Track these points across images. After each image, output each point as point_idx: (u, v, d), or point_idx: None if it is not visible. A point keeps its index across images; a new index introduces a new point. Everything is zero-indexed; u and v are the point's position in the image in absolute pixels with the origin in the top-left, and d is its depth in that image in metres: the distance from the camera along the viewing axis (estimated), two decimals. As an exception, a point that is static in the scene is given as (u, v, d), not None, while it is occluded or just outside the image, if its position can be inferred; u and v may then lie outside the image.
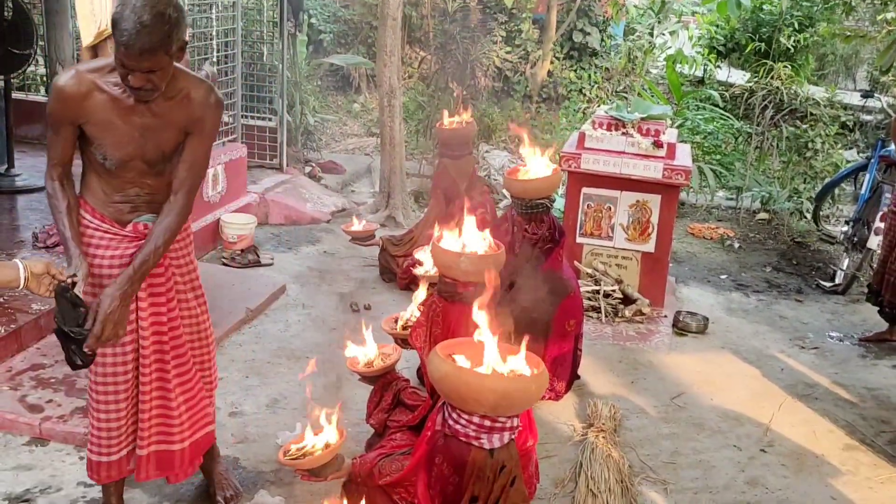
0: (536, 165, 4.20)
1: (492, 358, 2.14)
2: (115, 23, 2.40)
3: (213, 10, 6.38)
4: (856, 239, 6.42)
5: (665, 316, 5.45)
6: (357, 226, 5.61)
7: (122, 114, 2.59)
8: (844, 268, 6.38)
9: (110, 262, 2.74)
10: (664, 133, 5.55)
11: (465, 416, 2.10)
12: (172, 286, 2.87)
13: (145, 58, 2.40)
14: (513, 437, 2.18)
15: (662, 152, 5.41)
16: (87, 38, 3.98)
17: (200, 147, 2.75)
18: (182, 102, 2.65)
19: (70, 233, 2.62)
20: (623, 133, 5.52)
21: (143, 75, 2.44)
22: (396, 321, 3.86)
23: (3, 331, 4.11)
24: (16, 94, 7.07)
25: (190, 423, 2.96)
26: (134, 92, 2.52)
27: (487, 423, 2.10)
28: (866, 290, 5.54)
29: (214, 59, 6.35)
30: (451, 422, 2.13)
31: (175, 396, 2.89)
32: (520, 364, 2.15)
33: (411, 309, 3.83)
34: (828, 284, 6.36)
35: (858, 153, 8.98)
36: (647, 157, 5.41)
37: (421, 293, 3.77)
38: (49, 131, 2.62)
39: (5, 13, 6.01)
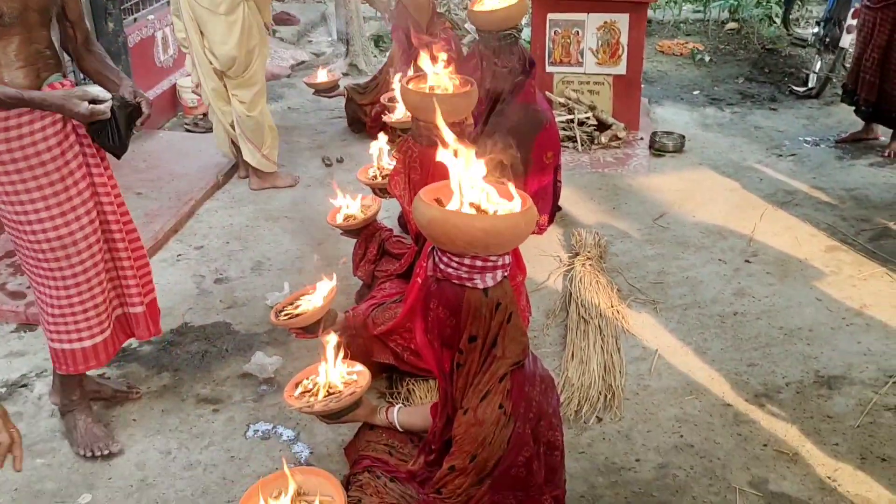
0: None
1: (477, 197, 2.08)
2: None
3: None
4: (828, 39, 6.29)
5: (641, 138, 5.39)
6: (319, 77, 5.42)
7: None
8: (817, 70, 6.29)
9: (52, 132, 2.53)
10: (628, -53, 5.30)
11: (456, 259, 2.06)
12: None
13: None
14: (505, 274, 2.15)
15: (628, -32, 5.19)
16: None
17: None
18: None
19: (19, 90, 2.42)
20: (586, -49, 5.27)
21: None
22: (371, 169, 3.78)
23: (-30, 222, 4.00)
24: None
25: (142, 283, 2.89)
26: None
27: (479, 263, 2.06)
28: (841, 91, 5.49)
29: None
30: (442, 265, 2.09)
31: (128, 256, 2.83)
32: (507, 200, 2.10)
33: (375, 158, 3.75)
34: (801, 89, 6.29)
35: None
36: (612, -26, 5.20)
37: (378, 143, 3.70)
38: None
39: None
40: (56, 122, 2.53)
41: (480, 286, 2.10)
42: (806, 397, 3.03)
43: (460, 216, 2.01)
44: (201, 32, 4.43)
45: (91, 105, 2.43)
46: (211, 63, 4.49)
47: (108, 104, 2.47)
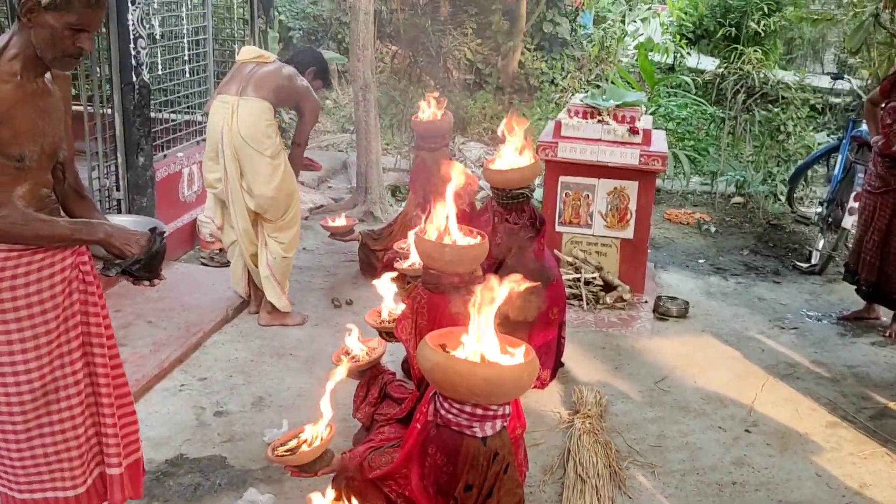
0: (516, 155, 4.20)
1: (482, 346, 2.14)
2: None
3: (184, 9, 6.32)
4: (830, 219, 6.49)
5: (646, 301, 5.48)
6: (336, 221, 5.59)
7: (26, 100, 2.32)
8: (820, 248, 6.45)
9: (59, 279, 2.45)
10: (639, 120, 5.58)
11: (457, 406, 2.10)
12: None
13: (103, 12, 2.35)
14: (505, 424, 2.19)
15: (638, 139, 5.44)
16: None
17: (69, 119, 2.58)
18: (53, 75, 2.48)
19: (72, 221, 2.41)
20: (599, 121, 5.54)
21: (92, 36, 2.34)
22: (380, 314, 3.85)
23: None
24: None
25: (125, 442, 2.72)
26: (70, 61, 2.35)
27: (479, 411, 2.10)
28: (843, 270, 5.61)
29: (186, 58, 6.30)
30: (442, 411, 2.13)
31: (112, 413, 2.65)
32: (510, 352, 2.16)
33: (386, 301, 3.82)
34: (804, 265, 6.43)
35: (829, 135, 9.07)
36: (623, 143, 5.44)
37: (383, 282, 3.76)
38: None
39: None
40: (65, 268, 2.45)
41: (479, 435, 2.13)
42: (804, 575, 2.97)
43: (464, 363, 2.06)
44: (241, 173, 4.60)
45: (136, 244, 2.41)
46: (247, 204, 4.64)
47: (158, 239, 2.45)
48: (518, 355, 2.16)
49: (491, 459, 2.15)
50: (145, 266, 2.45)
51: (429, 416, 2.20)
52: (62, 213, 2.54)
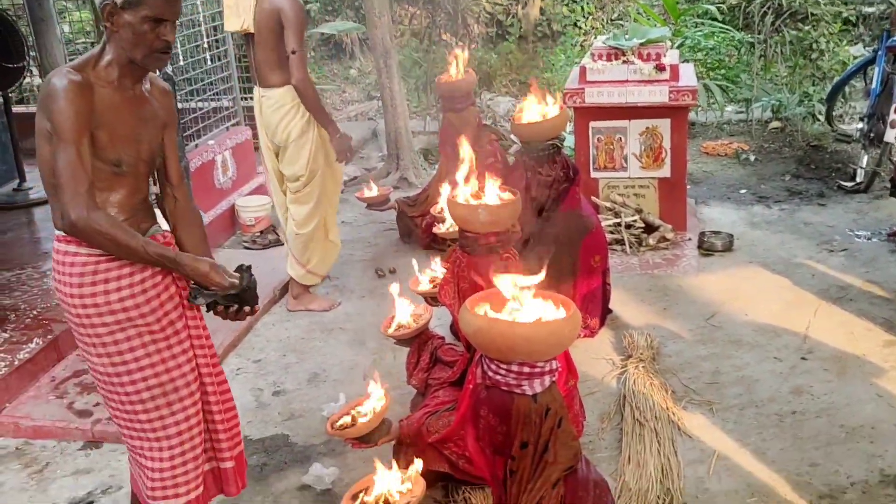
0: (542, 107, 4.17)
1: (522, 306, 2.15)
2: None
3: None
4: (872, 134, 6.33)
5: (689, 239, 5.43)
6: (370, 192, 5.61)
7: (124, 105, 2.36)
8: (864, 165, 6.31)
9: (158, 289, 2.45)
10: (665, 55, 5.47)
11: (504, 366, 2.12)
12: None
13: (179, 1, 2.38)
14: (553, 379, 2.20)
15: (666, 75, 5.34)
16: (231, 27, 4.62)
17: (175, 136, 2.63)
18: (152, 87, 2.51)
19: (163, 248, 2.39)
20: (624, 61, 5.45)
21: (174, 26, 2.35)
22: (418, 283, 3.88)
23: (41, 342, 4.18)
24: (16, 108, 7.08)
25: (231, 435, 2.74)
26: (159, 57, 2.37)
27: (526, 369, 2.12)
28: (889, 185, 5.49)
29: (206, 45, 6.32)
30: (490, 373, 2.15)
31: (219, 409, 2.70)
32: (552, 307, 2.16)
33: (435, 265, 3.85)
34: (849, 184, 6.30)
35: (864, 47, 8.81)
36: (651, 82, 5.35)
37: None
38: (66, 151, 2.20)
39: (-7, 29, 6.00)
40: (156, 273, 2.44)
41: (529, 392, 2.15)
42: (872, 497, 2.96)
43: (504, 324, 2.08)
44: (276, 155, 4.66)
45: (230, 279, 2.39)
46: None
47: (244, 280, 2.42)
48: (558, 311, 2.17)
49: (543, 415, 2.17)
50: (238, 299, 2.44)
51: (477, 378, 2.22)
52: (157, 221, 2.57)
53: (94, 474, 3.46)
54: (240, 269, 2.43)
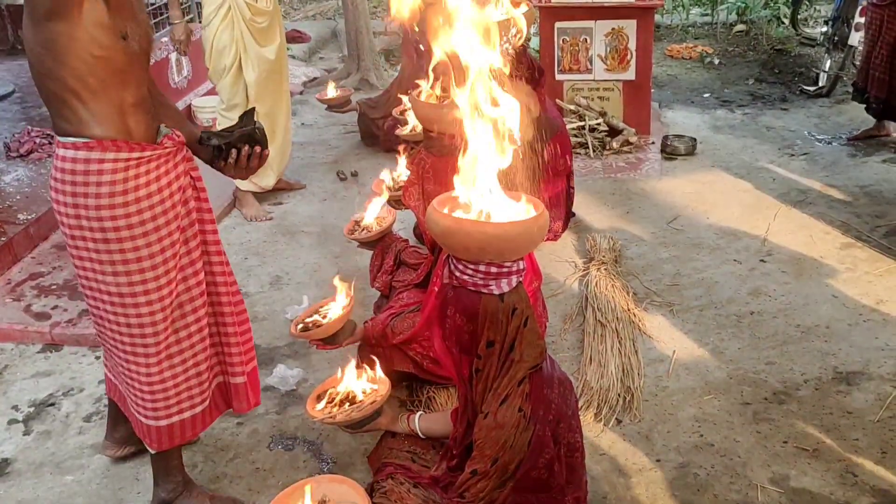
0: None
1: (489, 205, 2.11)
2: None
3: None
4: (836, 38, 6.31)
5: (653, 142, 5.42)
6: (331, 93, 5.48)
7: None
8: (827, 69, 6.30)
9: (176, 187, 2.29)
10: (633, -47, 5.35)
11: (472, 266, 2.09)
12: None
13: None
14: (520, 279, 2.19)
15: (633, -26, 5.23)
16: None
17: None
18: None
19: None
20: (591, -41, 5.32)
21: None
22: (387, 181, 3.83)
23: (-6, 245, 4.09)
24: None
25: (244, 349, 2.61)
26: None
27: (494, 269, 2.09)
28: (851, 89, 5.50)
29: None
30: (457, 273, 2.12)
31: (233, 322, 2.57)
32: (519, 206, 2.13)
33: (399, 167, 3.79)
34: (811, 88, 6.30)
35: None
36: (618, -19, 5.24)
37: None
38: None
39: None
40: (179, 175, 2.30)
41: (496, 292, 2.14)
42: (825, 394, 3.04)
43: (473, 224, 2.04)
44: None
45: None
46: None
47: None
48: (527, 209, 2.14)
49: (510, 315, 2.16)
50: (247, 137, 2.36)
51: (444, 278, 2.20)
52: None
53: (54, 377, 3.43)
54: (245, 112, 2.38)
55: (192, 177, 2.36)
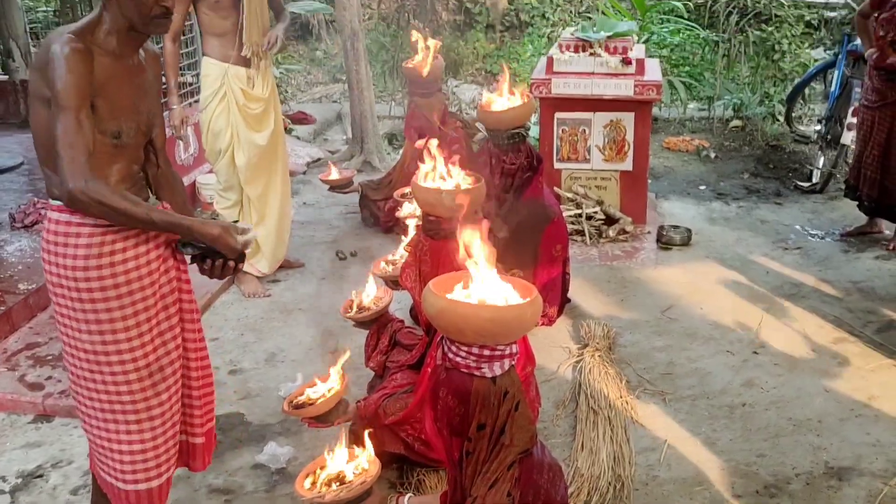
0: (509, 96, 4.19)
1: (485, 288, 2.16)
2: None
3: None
4: (829, 136, 6.46)
5: (648, 232, 5.50)
6: (334, 174, 5.58)
7: (124, 75, 2.29)
8: (820, 166, 6.44)
9: (155, 255, 2.38)
10: (632, 50, 5.52)
11: (465, 348, 2.13)
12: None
13: None
14: (513, 363, 2.22)
15: (632, 69, 5.39)
16: None
17: (160, 101, 2.56)
18: (146, 54, 2.44)
19: (169, 214, 2.33)
20: (591, 54, 5.49)
21: None
22: (385, 264, 3.88)
23: (-7, 314, 4.11)
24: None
25: (205, 411, 2.67)
26: (160, 23, 2.29)
27: (486, 352, 2.13)
28: (844, 187, 5.61)
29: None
30: (451, 355, 2.16)
31: (199, 385, 2.64)
32: (513, 291, 2.18)
33: (400, 251, 3.86)
34: (805, 184, 6.42)
35: (825, 51, 8.97)
36: (616, 75, 5.39)
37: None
38: (66, 119, 2.12)
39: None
40: (159, 244, 2.39)
41: (489, 375, 2.17)
42: (816, 489, 3.03)
43: (468, 307, 2.09)
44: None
45: (242, 238, 2.33)
46: None
47: (252, 235, 2.38)
48: (521, 295, 2.19)
49: (501, 398, 2.19)
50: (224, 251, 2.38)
51: (438, 360, 2.23)
52: (150, 193, 2.50)
53: (44, 448, 3.42)
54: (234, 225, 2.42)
55: (173, 247, 2.45)
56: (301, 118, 8.23)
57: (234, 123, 4.55)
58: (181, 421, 2.60)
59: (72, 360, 2.41)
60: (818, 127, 6.77)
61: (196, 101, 6.40)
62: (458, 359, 2.17)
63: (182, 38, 5.98)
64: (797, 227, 5.66)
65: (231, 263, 2.37)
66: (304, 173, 6.85)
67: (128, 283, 2.32)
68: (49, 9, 9.43)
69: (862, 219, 5.45)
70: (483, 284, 2.17)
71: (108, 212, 2.16)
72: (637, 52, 5.61)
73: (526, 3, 10.89)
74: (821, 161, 6.47)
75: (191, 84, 6.37)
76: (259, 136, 4.64)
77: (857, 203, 5.37)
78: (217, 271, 2.38)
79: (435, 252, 3.09)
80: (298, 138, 7.69)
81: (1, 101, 7.53)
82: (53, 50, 2.15)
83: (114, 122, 2.25)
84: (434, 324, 2.17)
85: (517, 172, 4.17)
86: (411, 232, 3.82)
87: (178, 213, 2.45)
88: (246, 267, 4.68)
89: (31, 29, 7.79)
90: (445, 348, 2.21)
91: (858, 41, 6.20)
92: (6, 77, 7.59)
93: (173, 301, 2.48)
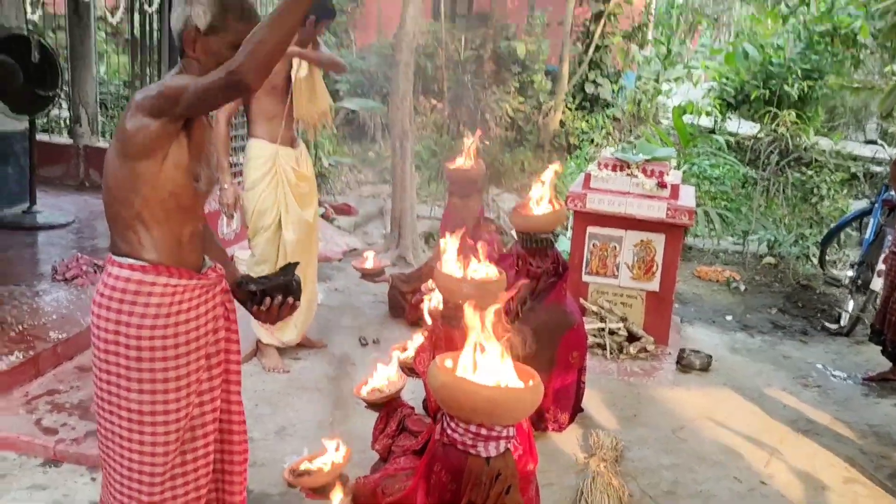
0: (540, 202, 4.34)
1: (488, 368, 2.24)
2: (230, 4, 2.34)
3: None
4: (860, 281, 6.50)
5: (669, 353, 5.52)
6: (369, 262, 5.74)
7: (200, 126, 2.39)
8: (849, 310, 6.45)
9: (211, 315, 2.45)
10: (668, 174, 5.68)
11: (463, 425, 2.19)
12: None
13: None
14: (508, 446, 2.27)
15: (666, 193, 5.54)
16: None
17: None
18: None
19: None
20: (628, 174, 5.66)
21: None
22: (404, 350, 3.96)
23: (21, 356, 4.24)
24: (39, 136, 7.28)
25: (244, 466, 2.72)
26: None
27: (483, 431, 2.19)
28: (869, 331, 5.61)
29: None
30: (448, 430, 2.22)
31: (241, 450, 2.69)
32: (515, 374, 2.25)
33: (418, 337, 3.93)
34: (833, 326, 6.42)
35: (871, 202, 9.08)
36: (651, 197, 5.54)
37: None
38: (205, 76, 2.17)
39: (33, 56, 6.25)
40: (216, 305, 2.45)
41: (483, 454, 2.22)
42: None
43: (469, 383, 2.16)
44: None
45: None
46: None
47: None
48: (523, 380, 2.26)
49: (493, 479, 2.23)
50: (284, 286, 2.51)
51: (436, 435, 2.29)
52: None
53: (49, 491, 3.48)
54: (287, 264, 2.55)
55: (226, 307, 2.52)
56: (344, 209, 8.48)
57: (281, 202, 4.75)
58: (215, 488, 2.62)
59: (109, 417, 2.41)
60: (850, 272, 6.81)
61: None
62: (455, 435, 2.22)
63: (235, 119, 6.31)
64: (819, 365, 5.64)
65: (290, 300, 2.46)
66: (340, 260, 7.02)
67: (186, 343, 2.38)
68: (122, 80, 9.94)
69: (886, 364, 5.42)
70: (488, 364, 2.25)
71: (271, 48, 2.08)
72: (673, 177, 5.77)
73: (576, 127, 11.23)
74: (850, 305, 6.49)
75: (237, 163, 6.64)
76: (307, 212, 4.88)
77: (881, 348, 5.36)
78: (275, 312, 2.47)
79: (450, 339, 3.17)
80: (339, 227, 7.91)
81: (63, 163, 7.88)
82: (153, 86, 2.28)
83: (196, 164, 2.35)
84: (436, 397, 2.24)
85: (542, 276, 4.27)
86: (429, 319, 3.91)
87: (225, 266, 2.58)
88: (270, 339, 4.81)
89: (100, 100, 8.24)
90: (444, 424, 2.27)
91: (893, 192, 6.32)
92: (71, 141, 7.98)
93: (217, 362, 2.51)
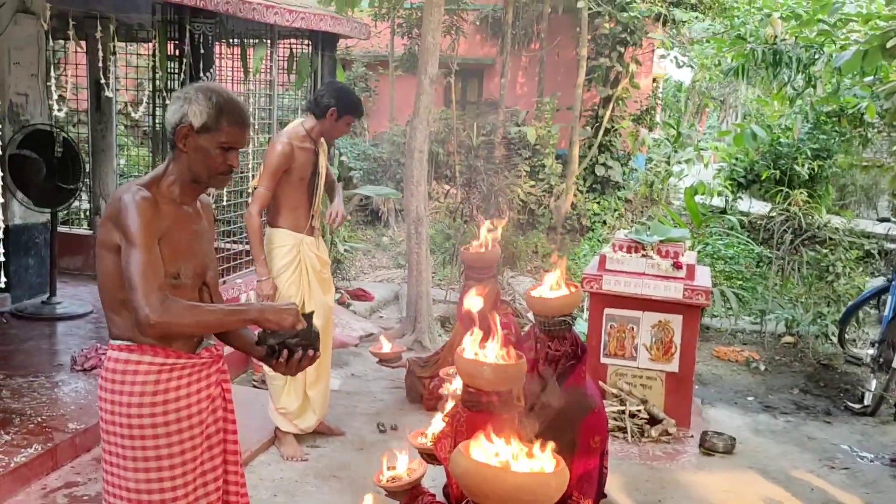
0: (557, 285, 4.34)
1: (512, 454, 2.22)
2: (227, 108, 2.44)
3: (250, 147, 6.74)
4: (881, 360, 6.42)
5: (691, 436, 5.44)
6: (385, 347, 5.73)
7: (183, 221, 2.50)
8: (872, 389, 6.36)
9: (205, 395, 2.53)
10: (683, 255, 5.70)
11: (488, 513, 2.16)
12: None
13: (249, 130, 2.52)
14: (534, 534, 2.23)
15: (682, 273, 5.54)
16: None
17: (213, 250, 2.75)
18: (200, 203, 2.64)
19: (239, 308, 2.43)
20: (643, 255, 5.68)
21: (238, 153, 2.51)
22: (423, 436, 3.92)
23: (39, 448, 4.22)
24: (60, 228, 7.40)
25: None
26: (223, 178, 2.51)
27: (509, 519, 2.15)
28: (894, 410, 5.52)
29: (249, 191, 6.66)
30: (474, 519, 2.19)
31: None
32: (540, 460, 2.23)
33: (436, 422, 3.90)
34: (856, 406, 6.33)
35: (889, 280, 9.04)
36: (667, 278, 5.55)
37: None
38: (138, 253, 2.29)
39: (56, 150, 6.39)
40: (210, 385, 2.53)
41: (509, 542, 2.18)
42: None
43: (493, 470, 2.14)
44: None
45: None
46: None
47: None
48: (548, 466, 2.24)
49: (520, 569, 2.18)
50: (302, 338, 2.50)
51: (460, 522, 2.26)
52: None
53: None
54: (304, 314, 2.52)
55: (222, 388, 2.59)
56: (360, 294, 8.51)
57: (305, 289, 4.79)
58: None
59: (112, 501, 2.49)
60: (871, 350, 6.74)
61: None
62: (481, 523, 2.19)
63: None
64: (845, 447, 5.54)
65: (311, 352, 2.47)
66: (356, 346, 7.01)
67: (178, 422, 2.44)
68: (139, 173, 10.15)
69: (913, 445, 5.33)
70: (513, 450, 2.23)
71: (187, 327, 2.33)
72: (688, 257, 5.78)
73: (588, 209, 11.33)
74: (873, 384, 6.40)
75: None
76: (329, 297, 4.96)
77: (907, 428, 5.28)
78: (294, 363, 2.47)
79: (472, 424, 3.14)
80: (355, 313, 7.93)
81: (83, 254, 7.99)
82: (124, 200, 2.36)
83: (173, 265, 2.42)
84: (459, 484, 2.21)
85: (561, 359, 4.25)
86: (450, 403, 3.89)
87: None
88: (288, 426, 4.78)
89: (120, 190, 8.38)
90: (469, 512, 2.24)
91: (910, 268, 6.31)
92: (91, 232, 8.10)
93: (217, 442, 2.57)
